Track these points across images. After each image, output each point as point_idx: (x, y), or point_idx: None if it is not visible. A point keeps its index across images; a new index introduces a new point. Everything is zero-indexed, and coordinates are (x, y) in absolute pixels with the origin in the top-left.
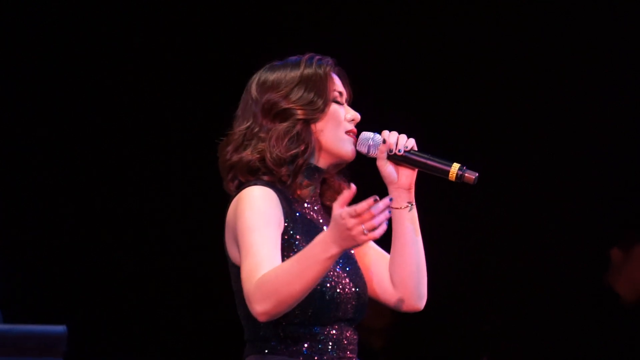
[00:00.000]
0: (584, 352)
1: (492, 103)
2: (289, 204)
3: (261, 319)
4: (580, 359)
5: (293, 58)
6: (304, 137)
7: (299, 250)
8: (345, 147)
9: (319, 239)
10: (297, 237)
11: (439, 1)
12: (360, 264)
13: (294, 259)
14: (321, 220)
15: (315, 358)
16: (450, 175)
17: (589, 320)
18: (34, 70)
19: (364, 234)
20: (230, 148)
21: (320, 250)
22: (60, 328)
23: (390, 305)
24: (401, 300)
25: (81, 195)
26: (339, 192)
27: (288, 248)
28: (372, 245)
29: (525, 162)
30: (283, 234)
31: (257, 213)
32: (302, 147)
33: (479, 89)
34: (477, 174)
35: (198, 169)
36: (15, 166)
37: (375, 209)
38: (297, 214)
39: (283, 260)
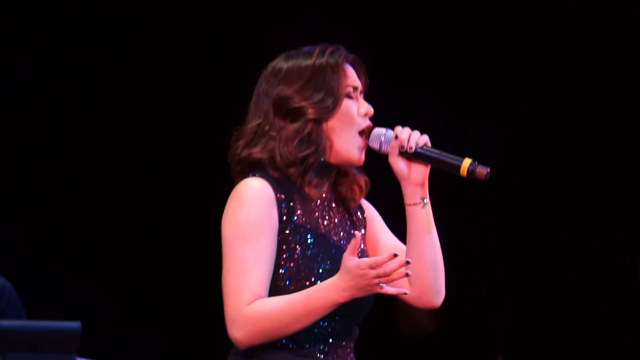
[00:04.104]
0: (599, 351)
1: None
2: (303, 201)
3: (241, 346)
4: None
5: (307, 48)
6: (315, 138)
7: (296, 249)
8: (353, 154)
9: (328, 284)
10: (297, 237)
11: None
12: (374, 255)
13: (296, 300)
14: (335, 219)
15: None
16: (461, 171)
17: (608, 319)
18: (34, 70)
19: (379, 286)
20: (241, 143)
21: (329, 295)
22: (75, 324)
23: (407, 301)
24: (417, 297)
25: (86, 194)
26: (354, 182)
27: (284, 249)
28: (389, 237)
29: (537, 160)
30: (278, 235)
31: (250, 217)
32: (313, 148)
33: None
34: (488, 169)
35: (198, 169)
36: (15, 166)
37: (394, 263)
38: (310, 212)
39: (276, 267)
